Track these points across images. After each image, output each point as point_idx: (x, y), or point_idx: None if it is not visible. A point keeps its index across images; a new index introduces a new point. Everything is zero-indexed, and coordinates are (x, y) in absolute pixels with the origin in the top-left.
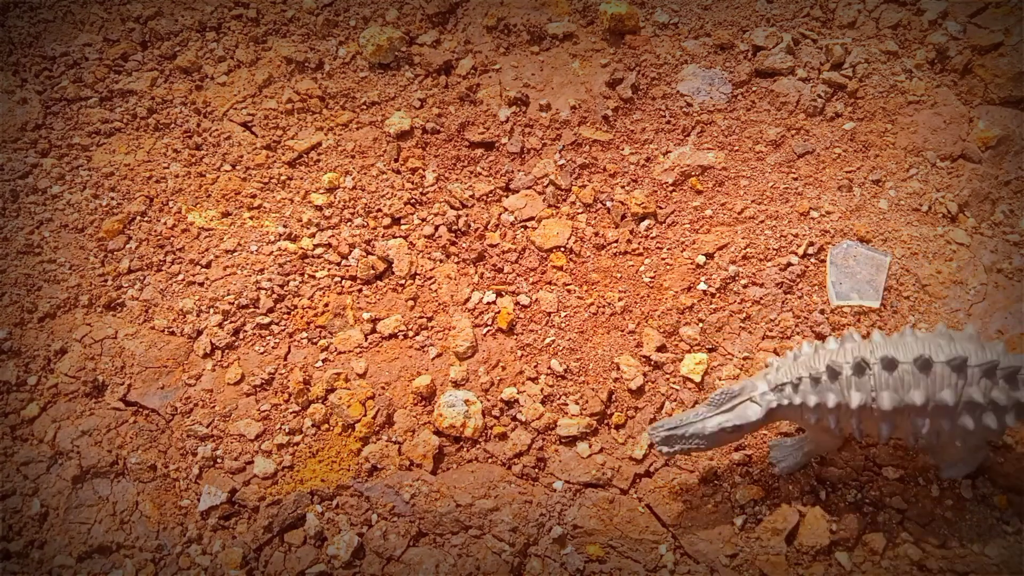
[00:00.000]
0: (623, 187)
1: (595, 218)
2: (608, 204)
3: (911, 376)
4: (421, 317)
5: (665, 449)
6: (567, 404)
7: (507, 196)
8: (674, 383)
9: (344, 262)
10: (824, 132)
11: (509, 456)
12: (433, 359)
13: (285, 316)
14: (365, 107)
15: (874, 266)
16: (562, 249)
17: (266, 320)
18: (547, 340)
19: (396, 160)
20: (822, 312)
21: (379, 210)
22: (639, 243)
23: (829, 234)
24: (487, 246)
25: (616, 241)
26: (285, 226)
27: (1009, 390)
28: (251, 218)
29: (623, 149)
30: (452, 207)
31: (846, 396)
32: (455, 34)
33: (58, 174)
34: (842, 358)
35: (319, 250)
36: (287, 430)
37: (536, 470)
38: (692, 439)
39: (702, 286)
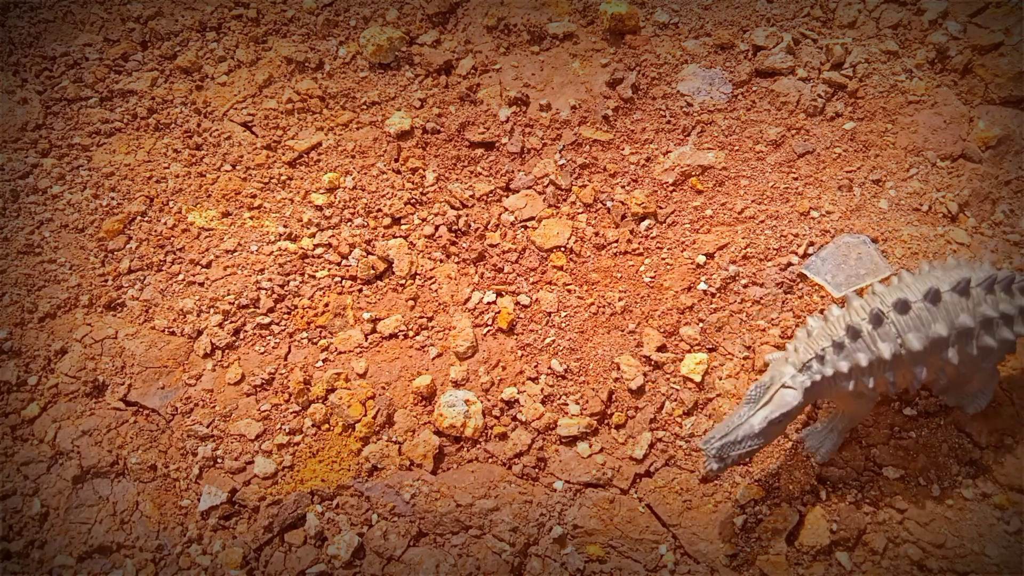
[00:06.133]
0: (623, 187)
1: (595, 218)
2: (608, 204)
3: (926, 312)
4: (421, 317)
5: (717, 466)
6: (567, 404)
7: (507, 196)
8: (674, 383)
9: (344, 262)
10: (824, 132)
11: (509, 456)
12: (433, 359)
13: (285, 316)
14: (365, 107)
15: (870, 269)
16: (562, 249)
17: (266, 320)
18: (547, 340)
19: (396, 160)
20: (822, 312)
21: (379, 210)
22: (639, 243)
23: (829, 234)
24: (487, 246)
25: (616, 241)
26: (285, 226)
27: (1009, 299)
28: (251, 218)
29: (623, 149)
30: (452, 207)
31: (875, 350)
32: (455, 34)
33: (58, 174)
34: (856, 317)
35: (319, 250)
36: (287, 430)
37: (536, 470)
38: (745, 441)
39: (702, 286)
